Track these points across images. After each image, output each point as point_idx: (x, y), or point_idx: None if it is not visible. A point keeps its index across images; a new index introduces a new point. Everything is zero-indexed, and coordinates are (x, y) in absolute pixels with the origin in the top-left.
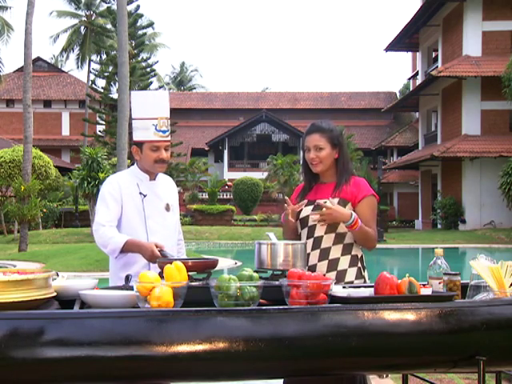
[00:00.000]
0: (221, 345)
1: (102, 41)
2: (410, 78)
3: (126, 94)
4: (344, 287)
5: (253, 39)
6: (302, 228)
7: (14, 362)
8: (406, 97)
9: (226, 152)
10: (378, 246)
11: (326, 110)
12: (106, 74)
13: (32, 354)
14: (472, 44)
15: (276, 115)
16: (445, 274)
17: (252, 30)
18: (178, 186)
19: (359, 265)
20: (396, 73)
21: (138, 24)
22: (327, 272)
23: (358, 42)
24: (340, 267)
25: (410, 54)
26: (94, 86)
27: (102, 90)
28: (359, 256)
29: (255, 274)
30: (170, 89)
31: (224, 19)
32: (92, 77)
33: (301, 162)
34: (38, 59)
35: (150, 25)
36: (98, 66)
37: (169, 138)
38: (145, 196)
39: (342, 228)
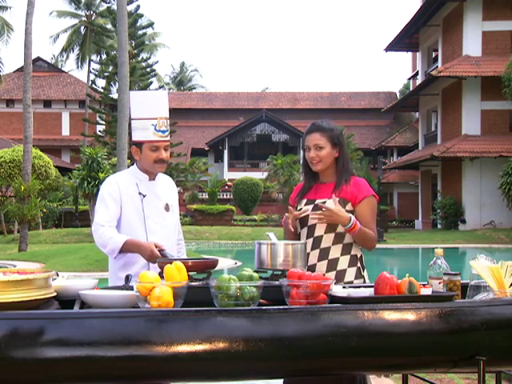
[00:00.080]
0: (221, 345)
1: (102, 41)
2: (409, 78)
3: (126, 93)
4: (344, 287)
5: (253, 39)
6: (301, 227)
7: (14, 361)
8: (406, 97)
9: (225, 152)
10: (378, 245)
11: (326, 109)
12: (106, 73)
13: (32, 354)
14: (472, 44)
15: (276, 115)
16: (445, 274)
17: (252, 30)
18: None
19: (358, 265)
20: (396, 73)
21: (138, 24)
22: (327, 272)
23: (358, 42)
24: (339, 267)
25: (409, 53)
26: (94, 86)
27: (102, 90)
28: (359, 256)
29: (255, 274)
30: (169, 89)
31: (224, 19)
32: (92, 77)
33: (301, 162)
34: (38, 59)
35: (150, 25)
36: (98, 66)
37: (168, 138)
38: (144, 196)
39: (341, 228)
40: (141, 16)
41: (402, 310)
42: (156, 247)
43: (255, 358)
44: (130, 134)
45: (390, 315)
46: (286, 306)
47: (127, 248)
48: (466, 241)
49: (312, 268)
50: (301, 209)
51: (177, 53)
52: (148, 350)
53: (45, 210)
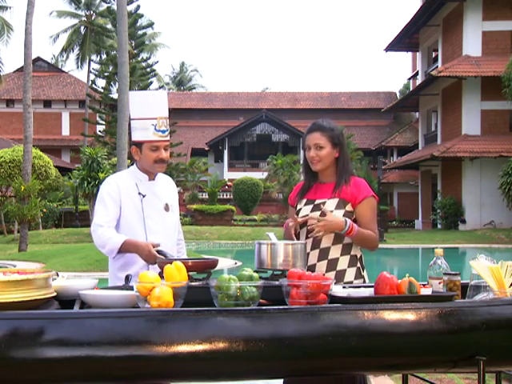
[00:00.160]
0: (221, 345)
1: (102, 41)
2: (409, 78)
3: (126, 93)
4: (344, 287)
5: (253, 39)
6: (301, 227)
7: (14, 361)
8: (406, 97)
9: (225, 152)
10: (379, 245)
11: (326, 109)
12: (106, 73)
13: (32, 354)
14: (472, 44)
15: (276, 115)
16: (445, 274)
17: (252, 30)
18: (177, 185)
19: (358, 265)
20: (396, 73)
21: (138, 24)
22: (326, 272)
23: (358, 42)
24: (339, 267)
25: (410, 53)
26: (94, 86)
27: (102, 90)
28: (358, 256)
29: (255, 274)
30: (169, 89)
31: (224, 19)
32: (92, 77)
33: (301, 162)
34: (38, 59)
35: (150, 25)
36: (98, 66)
37: (168, 138)
38: (144, 196)
39: None
40: (141, 16)
41: (402, 309)
42: (154, 247)
43: (255, 358)
44: (129, 134)
45: (390, 315)
46: (285, 306)
47: (125, 248)
48: (465, 241)
49: (312, 268)
50: (300, 209)
51: (177, 53)
52: (148, 350)
53: (45, 210)
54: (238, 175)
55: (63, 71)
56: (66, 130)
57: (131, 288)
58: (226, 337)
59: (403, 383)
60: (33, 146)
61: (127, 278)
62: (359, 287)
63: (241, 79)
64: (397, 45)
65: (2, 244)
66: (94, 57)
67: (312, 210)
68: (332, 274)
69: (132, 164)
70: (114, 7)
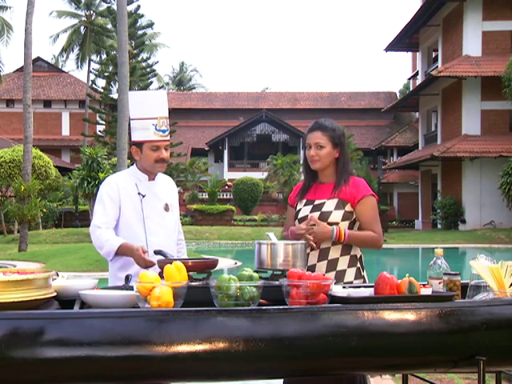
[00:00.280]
0: (221, 345)
1: (102, 41)
2: (409, 78)
3: (126, 93)
4: (344, 287)
5: (252, 39)
6: None
7: (14, 362)
8: (406, 97)
9: (225, 152)
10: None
11: (326, 109)
12: (106, 73)
13: (32, 353)
14: (472, 44)
15: (276, 115)
16: (445, 274)
17: (252, 30)
18: (177, 185)
19: (358, 265)
20: (396, 73)
21: (138, 24)
22: (326, 272)
23: (358, 42)
24: (339, 267)
25: (409, 53)
26: (94, 86)
27: (102, 90)
28: (358, 256)
29: (255, 274)
30: (169, 89)
31: (224, 19)
32: (92, 77)
33: (301, 162)
34: (38, 59)
35: (150, 25)
36: (98, 66)
37: (168, 138)
38: (143, 196)
39: None
40: (141, 16)
41: (402, 309)
42: (144, 252)
43: (255, 358)
44: (129, 134)
45: (390, 315)
46: (285, 306)
47: (122, 251)
48: (465, 241)
49: (312, 268)
50: (300, 209)
51: (177, 53)
52: (148, 350)
53: (45, 210)
54: (238, 175)
55: (63, 71)
56: (66, 130)
57: (131, 288)
58: (226, 337)
59: (403, 383)
60: (33, 146)
61: (127, 278)
62: (359, 287)
63: (241, 79)
64: (397, 45)
65: (2, 244)
66: (93, 57)
67: (312, 211)
68: (332, 274)
69: (132, 164)
70: (114, 7)
